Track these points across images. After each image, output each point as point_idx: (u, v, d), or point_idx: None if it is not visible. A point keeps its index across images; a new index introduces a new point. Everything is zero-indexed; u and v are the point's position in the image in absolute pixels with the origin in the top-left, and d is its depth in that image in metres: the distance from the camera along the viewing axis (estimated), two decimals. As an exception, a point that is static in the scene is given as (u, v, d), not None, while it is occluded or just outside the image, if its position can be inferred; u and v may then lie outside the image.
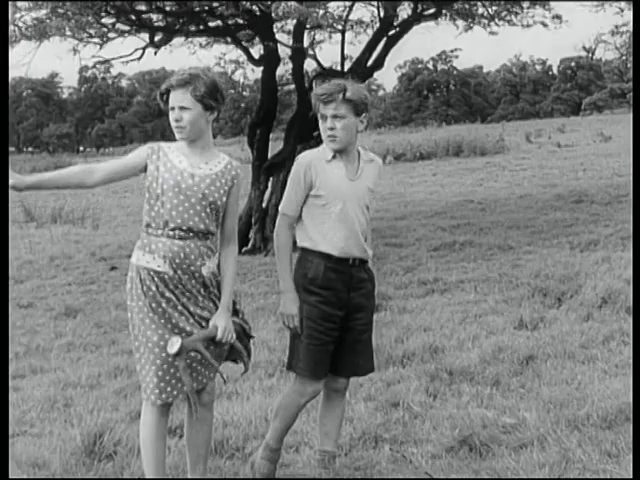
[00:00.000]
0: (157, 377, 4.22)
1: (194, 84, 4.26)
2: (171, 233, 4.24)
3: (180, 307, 4.24)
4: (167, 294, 4.22)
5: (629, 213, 14.13)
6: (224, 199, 4.37)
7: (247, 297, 10.18)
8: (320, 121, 4.48)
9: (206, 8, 13.73)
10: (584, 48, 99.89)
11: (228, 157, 4.55)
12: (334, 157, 4.51)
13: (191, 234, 4.26)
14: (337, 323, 4.54)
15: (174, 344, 4.13)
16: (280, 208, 4.64)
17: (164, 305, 4.22)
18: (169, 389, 4.26)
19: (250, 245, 14.24)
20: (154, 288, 4.21)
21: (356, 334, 4.63)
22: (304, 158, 4.55)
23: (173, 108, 4.32)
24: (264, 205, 14.48)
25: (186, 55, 19.17)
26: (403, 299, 9.37)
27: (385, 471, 4.93)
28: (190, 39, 16.39)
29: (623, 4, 27.25)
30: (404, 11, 15.92)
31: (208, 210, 4.30)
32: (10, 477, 4.83)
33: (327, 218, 4.49)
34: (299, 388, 4.67)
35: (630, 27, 28.89)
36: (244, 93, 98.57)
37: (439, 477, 4.74)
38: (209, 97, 4.28)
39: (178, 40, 16.09)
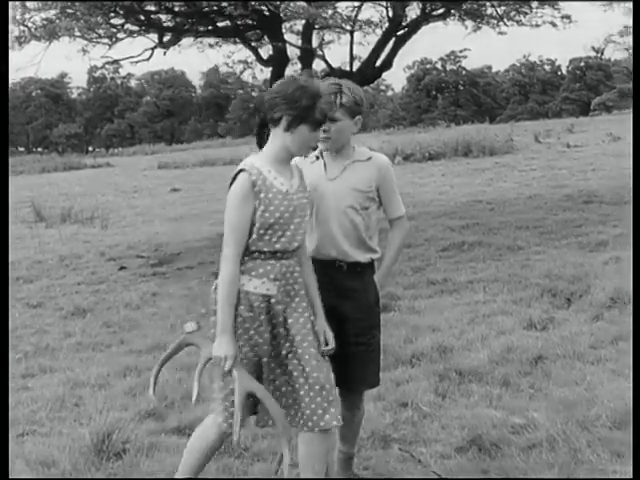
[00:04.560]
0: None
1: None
2: (279, 255, 4.11)
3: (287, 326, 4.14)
4: (269, 319, 4.12)
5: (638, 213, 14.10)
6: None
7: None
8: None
9: (215, 8, 13.77)
10: (593, 48, 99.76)
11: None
12: (318, 158, 4.46)
13: (293, 252, 4.18)
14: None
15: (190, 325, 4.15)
16: None
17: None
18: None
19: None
20: (263, 314, 4.10)
21: (352, 347, 4.44)
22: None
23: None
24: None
25: (195, 55, 19.18)
26: (412, 299, 9.36)
27: (394, 471, 4.93)
28: (199, 39, 16.42)
29: (631, 4, 27.24)
30: (413, 11, 15.97)
31: (304, 224, 4.23)
32: (10, 477, 4.85)
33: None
34: None
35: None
36: (253, 93, 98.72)
37: (448, 477, 4.74)
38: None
39: (187, 40, 16.17)
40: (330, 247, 4.42)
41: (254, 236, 4.05)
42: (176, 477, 4.41)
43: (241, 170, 4.07)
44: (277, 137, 4.13)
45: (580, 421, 5.33)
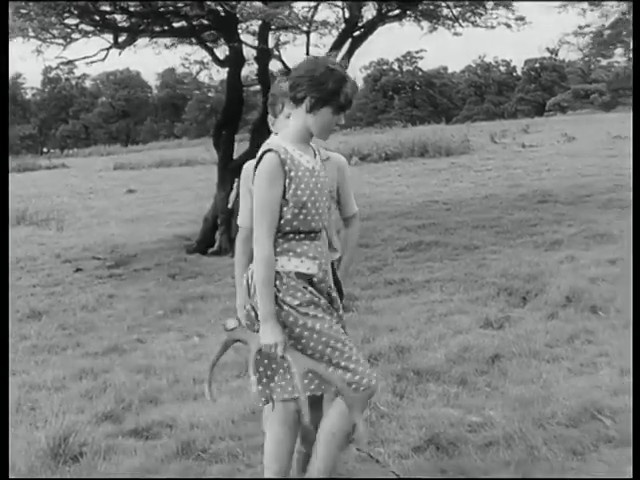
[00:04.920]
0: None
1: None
2: (312, 235, 4.12)
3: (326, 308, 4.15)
4: (317, 296, 4.11)
5: (593, 213, 14.26)
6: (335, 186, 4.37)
7: (213, 298, 10.17)
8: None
9: (171, 8, 13.67)
10: (547, 49, 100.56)
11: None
12: None
13: (321, 232, 4.21)
14: None
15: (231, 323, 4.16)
16: (238, 221, 4.53)
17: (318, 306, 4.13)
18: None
19: (216, 246, 14.22)
20: (307, 294, 4.07)
21: None
22: (249, 167, 4.39)
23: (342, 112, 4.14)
24: (230, 206, 14.44)
25: (151, 56, 19.07)
26: (369, 299, 9.38)
27: (352, 470, 4.93)
28: (154, 40, 16.30)
29: (585, 5, 27.53)
30: (369, 12, 15.97)
31: (328, 203, 4.27)
32: (10, 477, 4.81)
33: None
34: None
35: (593, 28, 29.15)
36: (209, 94, 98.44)
37: (406, 477, 4.75)
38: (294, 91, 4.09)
39: (142, 41, 16.00)
40: None
41: (288, 216, 4.04)
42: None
43: (268, 150, 4.05)
44: (299, 117, 4.10)
45: (536, 419, 5.37)
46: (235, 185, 14.43)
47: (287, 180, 4.01)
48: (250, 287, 4.12)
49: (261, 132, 14.23)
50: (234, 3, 12.76)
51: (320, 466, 4.22)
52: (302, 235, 4.09)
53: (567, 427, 5.25)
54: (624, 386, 5.88)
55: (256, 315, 4.09)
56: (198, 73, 19.34)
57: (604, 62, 55.53)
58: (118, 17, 14.73)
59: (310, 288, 4.07)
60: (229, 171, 14.52)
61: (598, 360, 6.60)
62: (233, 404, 6.09)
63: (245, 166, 4.49)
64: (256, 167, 4.07)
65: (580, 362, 6.61)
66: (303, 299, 4.03)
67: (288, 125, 4.22)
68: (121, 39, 14.98)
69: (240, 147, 15.43)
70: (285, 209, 4.02)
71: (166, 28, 14.95)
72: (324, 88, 3.97)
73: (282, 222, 4.03)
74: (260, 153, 4.08)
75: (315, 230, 4.12)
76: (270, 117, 4.69)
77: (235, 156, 14.94)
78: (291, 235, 4.08)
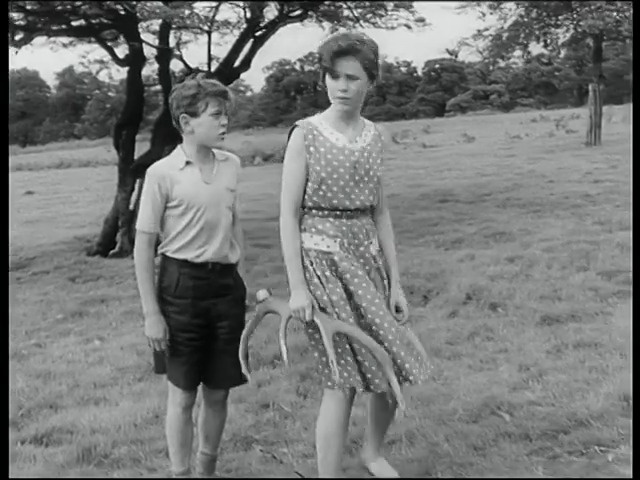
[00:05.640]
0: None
1: (363, 52, 4.03)
2: (338, 213, 4.15)
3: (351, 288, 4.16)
4: (337, 275, 4.15)
5: (492, 212, 14.52)
6: (382, 169, 4.29)
7: (115, 300, 10.04)
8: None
9: (69, 7, 13.44)
10: (447, 50, 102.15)
11: (369, 121, 4.37)
12: (187, 163, 4.34)
13: (359, 212, 4.20)
14: (197, 332, 4.36)
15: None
16: (137, 226, 4.37)
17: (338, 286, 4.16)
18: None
19: (117, 248, 14.02)
20: (327, 271, 4.15)
21: (222, 344, 4.43)
22: (155, 170, 4.35)
23: (337, 76, 4.07)
24: (131, 207, 14.28)
25: (49, 55, 18.73)
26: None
27: (257, 472, 4.92)
28: (52, 38, 16.00)
29: (485, 8, 28.08)
30: (270, 12, 15.97)
31: (371, 185, 4.23)
32: (10, 477, 4.71)
33: (185, 225, 4.31)
34: (172, 397, 4.51)
35: (492, 31, 29.72)
36: (109, 93, 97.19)
37: (310, 477, 4.76)
38: (375, 66, 4.10)
39: (40, 39, 15.68)
40: (213, 252, 4.38)
41: (309, 191, 4.14)
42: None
43: (295, 126, 4.17)
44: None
45: (438, 416, 5.45)
46: (137, 186, 14.31)
47: (307, 155, 4.13)
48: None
49: (162, 132, 14.14)
50: (134, 2, 12.62)
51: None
52: (325, 212, 4.17)
53: (468, 423, 5.33)
54: (522, 382, 6.01)
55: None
56: (98, 72, 19.15)
57: (502, 64, 56.73)
58: (14, 15, 14.42)
59: (332, 266, 4.15)
60: (130, 172, 14.36)
61: (497, 356, 6.72)
62: (135, 407, 6.02)
63: (150, 168, 4.40)
64: None
65: (480, 358, 6.71)
66: (323, 276, 4.14)
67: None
68: (17, 37, 14.66)
69: (141, 147, 15.25)
70: (308, 184, 4.14)
71: (64, 27, 14.68)
72: (321, 58, 4.10)
73: (305, 197, 4.16)
74: (289, 129, 4.23)
75: (338, 208, 4.16)
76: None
77: (136, 156, 14.78)
78: (314, 211, 4.19)
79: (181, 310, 4.34)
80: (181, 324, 4.34)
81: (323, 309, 4.09)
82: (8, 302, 4.91)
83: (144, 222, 4.33)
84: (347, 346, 4.12)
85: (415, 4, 16.53)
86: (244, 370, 4.30)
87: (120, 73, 19.12)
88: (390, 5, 16.34)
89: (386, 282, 4.42)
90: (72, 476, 4.97)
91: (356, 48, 4.01)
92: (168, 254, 4.38)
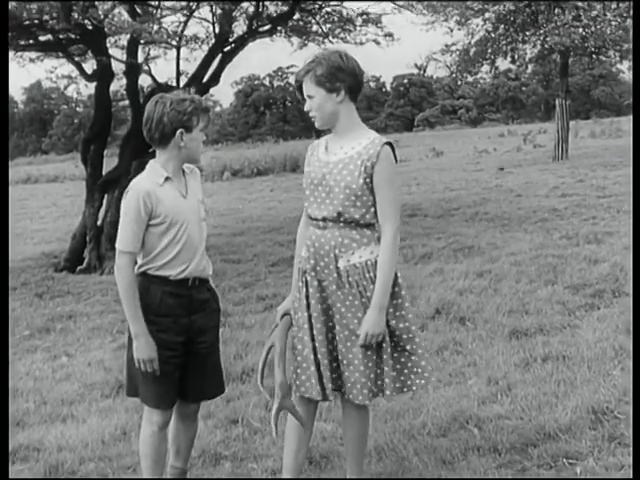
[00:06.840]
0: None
1: (313, 70, 4.20)
2: (314, 223, 4.29)
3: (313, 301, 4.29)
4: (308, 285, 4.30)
5: (460, 226, 14.57)
6: (360, 182, 4.15)
7: (82, 316, 9.99)
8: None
9: (36, 22, 13.37)
10: (416, 66, 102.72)
11: (375, 134, 4.29)
12: (167, 179, 4.30)
13: (330, 223, 4.22)
14: (178, 350, 4.34)
15: None
16: (119, 246, 4.26)
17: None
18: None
19: (85, 264, 13.93)
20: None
21: (201, 357, 4.44)
22: (138, 186, 4.26)
23: (304, 100, 4.33)
24: (99, 223, 14.21)
25: (16, 69, 18.62)
26: (242, 315, 9.36)
27: (225, 489, 4.91)
28: (19, 53, 15.91)
29: (452, 24, 28.26)
30: (239, 27, 15.99)
31: (342, 196, 4.16)
32: (10, 477, 4.66)
33: (169, 242, 4.27)
34: (148, 416, 4.46)
35: (460, 46, 29.91)
36: (77, 109, 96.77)
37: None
38: (331, 78, 4.16)
39: (7, 54, 15.61)
40: (194, 267, 4.38)
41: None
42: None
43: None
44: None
45: (407, 430, 5.45)
46: (105, 202, 14.25)
47: (306, 169, 4.45)
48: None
49: (130, 147, 14.10)
50: (102, 17, 12.59)
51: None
52: (311, 221, 4.35)
53: (437, 437, 5.34)
54: (491, 395, 6.03)
55: None
56: (66, 88, 19.01)
57: (470, 79, 56.99)
58: (-20, 29, 14.34)
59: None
60: (98, 187, 14.30)
61: (466, 370, 6.73)
62: (103, 424, 5.99)
63: (133, 185, 4.31)
64: None
65: (449, 372, 6.73)
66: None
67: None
68: (-17, 52, 14.57)
69: (109, 162, 15.19)
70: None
71: (32, 42, 14.60)
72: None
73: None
74: None
75: (310, 217, 4.33)
76: None
77: (104, 171, 14.70)
78: (309, 220, 4.39)
79: (164, 328, 4.31)
80: (164, 342, 4.30)
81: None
82: (8, 302, 4.85)
83: (127, 241, 4.25)
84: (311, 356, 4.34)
85: (384, 19, 16.62)
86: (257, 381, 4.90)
87: (88, 88, 19.00)
88: (359, 20, 16.42)
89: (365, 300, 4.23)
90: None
91: (307, 70, 4.23)
92: (150, 272, 4.33)
